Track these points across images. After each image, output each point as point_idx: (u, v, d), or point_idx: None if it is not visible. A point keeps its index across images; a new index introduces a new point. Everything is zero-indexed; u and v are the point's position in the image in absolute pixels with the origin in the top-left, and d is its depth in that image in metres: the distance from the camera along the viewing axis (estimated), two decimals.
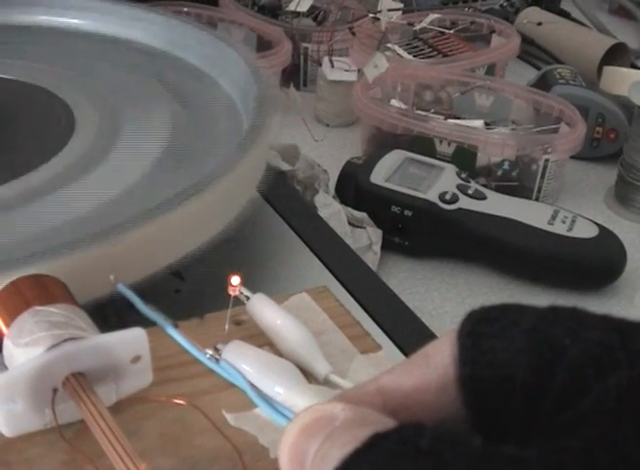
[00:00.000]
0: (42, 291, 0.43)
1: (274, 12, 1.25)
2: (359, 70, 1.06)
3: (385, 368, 0.29)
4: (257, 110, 0.64)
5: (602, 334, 0.25)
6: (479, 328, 0.27)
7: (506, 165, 0.94)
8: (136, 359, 0.42)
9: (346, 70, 1.10)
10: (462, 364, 0.27)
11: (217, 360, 0.45)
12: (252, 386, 0.43)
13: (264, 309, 0.48)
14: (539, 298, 0.81)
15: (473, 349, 0.27)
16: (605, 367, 0.24)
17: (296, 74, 1.17)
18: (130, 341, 0.41)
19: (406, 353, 0.52)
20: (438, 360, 0.28)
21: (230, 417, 0.43)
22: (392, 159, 0.89)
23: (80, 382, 0.40)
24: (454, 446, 0.23)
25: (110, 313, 0.53)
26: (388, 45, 1.16)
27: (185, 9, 1.19)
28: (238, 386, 0.44)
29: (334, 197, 0.85)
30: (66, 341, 0.40)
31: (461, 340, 0.27)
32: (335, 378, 0.46)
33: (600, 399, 0.23)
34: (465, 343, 0.27)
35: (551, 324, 0.26)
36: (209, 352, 0.45)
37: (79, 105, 0.70)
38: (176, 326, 0.45)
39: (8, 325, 0.42)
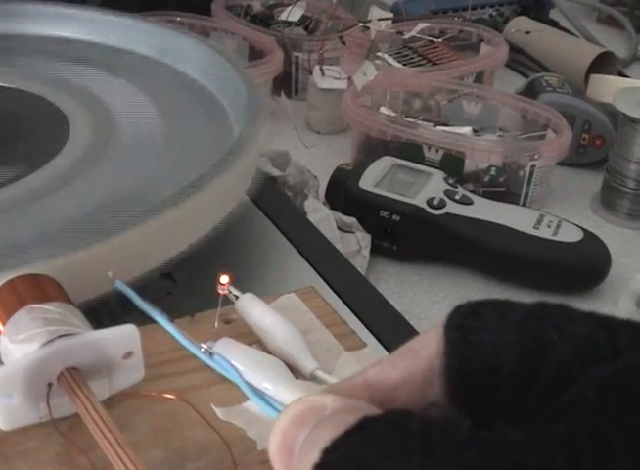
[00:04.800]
0: (37, 290, 0.44)
1: (266, 21, 1.27)
2: (349, 79, 1.08)
3: (370, 364, 0.30)
4: (247, 117, 0.66)
5: (589, 330, 0.26)
6: (467, 322, 0.28)
7: (493, 172, 0.96)
8: (128, 355, 0.43)
9: (337, 79, 1.11)
10: (449, 357, 0.27)
11: (211, 354, 0.46)
12: (240, 383, 0.44)
13: (253, 308, 0.50)
14: (525, 300, 0.83)
15: (460, 341, 0.27)
16: (591, 362, 0.25)
17: (287, 83, 1.19)
18: (122, 337, 0.42)
19: (390, 351, 0.54)
20: (424, 353, 0.28)
21: (219, 411, 0.45)
22: (381, 165, 0.91)
23: (74, 377, 0.41)
24: (443, 428, 0.23)
25: (103, 315, 0.54)
26: (378, 54, 1.18)
27: (178, 18, 1.20)
28: (230, 379, 0.45)
29: (324, 202, 0.87)
30: (60, 337, 0.41)
31: (449, 333, 0.28)
32: (321, 374, 0.47)
33: (584, 390, 0.24)
34: (453, 335, 0.28)
35: (539, 319, 0.27)
36: (204, 345, 0.46)
37: (73, 112, 0.72)
38: (171, 321, 0.47)
39: (4, 323, 0.43)
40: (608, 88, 1.14)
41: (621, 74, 1.31)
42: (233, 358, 0.46)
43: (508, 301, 0.29)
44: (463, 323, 0.28)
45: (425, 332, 0.29)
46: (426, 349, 0.28)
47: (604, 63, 1.27)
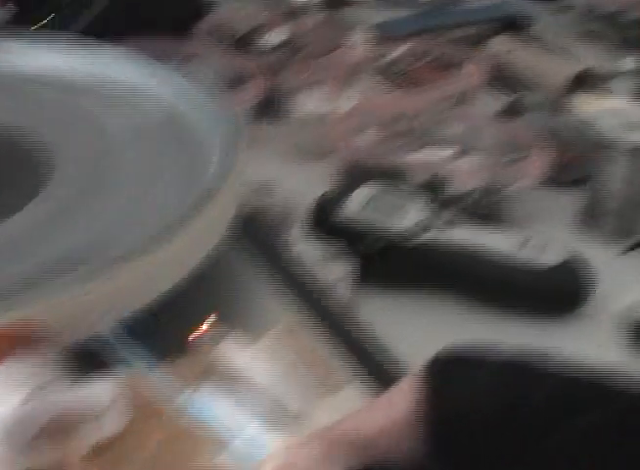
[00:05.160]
0: (16, 344, 0.44)
1: (248, 45, 1.27)
2: (333, 102, 1.08)
3: (352, 404, 0.30)
4: (226, 148, 0.66)
5: (567, 381, 0.27)
6: (444, 370, 0.29)
7: (476, 194, 0.96)
8: (110, 405, 0.43)
9: (320, 102, 1.11)
10: (427, 405, 0.28)
11: (194, 398, 0.46)
12: (224, 425, 0.45)
13: (236, 351, 0.50)
14: (511, 325, 0.83)
15: (438, 390, 0.28)
16: (569, 413, 0.26)
17: (269, 107, 1.19)
18: (101, 391, 0.43)
19: (374, 388, 0.54)
20: (402, 403, 0.29)
21: (204, 454, 0.45)
22: (365, 190, 0.91)
23: (59, 428, 0.41)
24: None
25: (91, 354, 0.54)
26: (362, 76, 1.18)
27: (158, 43, 1.20)
28: (212, 424, 0.46)
29: (307, 230, 0.87)
30: (41, 391, 0.41)
31: (427, 381, 0.28)
32: (303, 414, 0.47)
33: (563, 442, 0.25)
34: (431, 384, 0.28)
35: (516, 369, 0.28)
36: (188, 389, 0.47)
37: (57, 147, 0.72)
38: (155, 364, 0.47)
39: None
40: (589, 106, 1.15)
41: (603, 90, 1.32)
42: (216, 401, 0.47)
43: (487, 348, 0.29)
44: (440, 372, 0.28)
45: (402, 382, 0.30)
46: (403, 399, 0.29)
47: (585, 79, 1.27)
